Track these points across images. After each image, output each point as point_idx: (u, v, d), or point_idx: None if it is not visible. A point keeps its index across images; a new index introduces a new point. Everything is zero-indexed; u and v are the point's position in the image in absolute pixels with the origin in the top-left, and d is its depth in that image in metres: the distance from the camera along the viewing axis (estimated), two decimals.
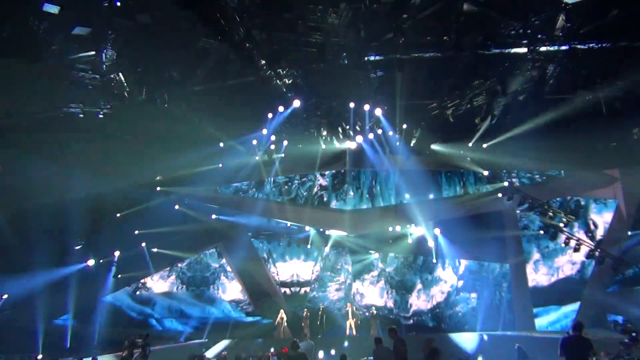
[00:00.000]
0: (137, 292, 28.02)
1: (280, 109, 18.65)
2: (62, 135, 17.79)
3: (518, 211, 25.67)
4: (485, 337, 21.13)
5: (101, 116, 17.04)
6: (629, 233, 23.06)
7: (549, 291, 27.30)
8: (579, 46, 14.56)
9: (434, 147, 22.04)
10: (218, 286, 29.40)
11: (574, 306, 25.69)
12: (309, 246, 28.68)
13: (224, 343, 21.73)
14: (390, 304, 29.54)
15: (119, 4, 12.77)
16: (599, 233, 26.38)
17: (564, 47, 14.73)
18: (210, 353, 19.02)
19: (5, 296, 20.98)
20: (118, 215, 23.11)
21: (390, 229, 26.62)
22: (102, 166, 19.97)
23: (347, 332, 22.92)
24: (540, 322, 26.26)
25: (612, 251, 22.35)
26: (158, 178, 23.19)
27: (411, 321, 28.54)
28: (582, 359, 7.74)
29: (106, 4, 12.69)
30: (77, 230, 21.48)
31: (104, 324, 23.69)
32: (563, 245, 25.05)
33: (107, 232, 22.88)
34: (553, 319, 26.50)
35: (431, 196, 27.28)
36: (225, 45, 14.92)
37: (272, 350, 15.77)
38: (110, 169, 20.30)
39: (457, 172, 26.61)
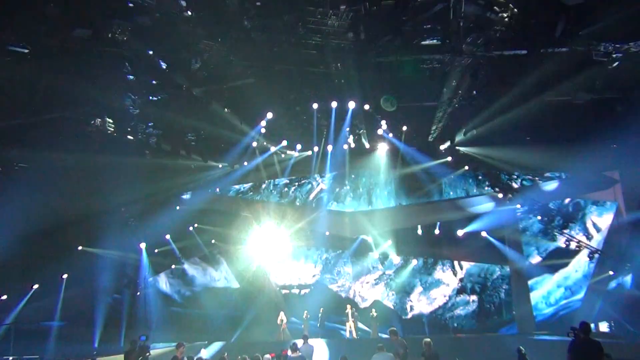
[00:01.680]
0: None
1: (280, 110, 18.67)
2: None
3: (518, 213, 25.63)
4: (486, 339, 21.12)
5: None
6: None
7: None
8: (578, 48, 14.57)
9: (434, 147, 22.09)
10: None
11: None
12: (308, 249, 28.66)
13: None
14: (390, 306, 29.50)
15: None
16: (599, 235, 26.33)
17: (564, 49, 14.76)
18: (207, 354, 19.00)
19: (4, 297, 20.99)
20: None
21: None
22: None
23: (347, 334, 22.89)
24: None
25: (611, 253, 22.34)
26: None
27: (411, 323, 28.47)
28: None
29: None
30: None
31: None
32: (563, 246, 25.10)
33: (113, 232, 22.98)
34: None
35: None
36: (225, 46, 14.95)
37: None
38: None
39: (458, 174, 26.51)
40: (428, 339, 12.28)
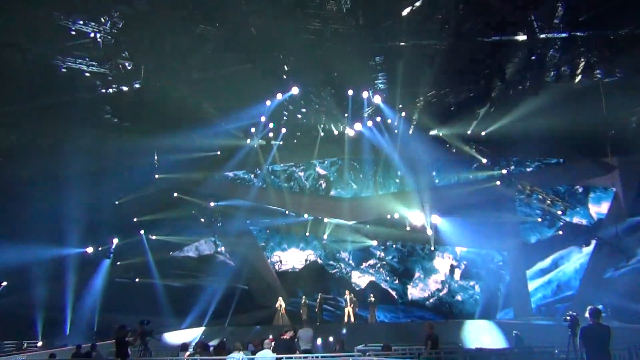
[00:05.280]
0: None
1: (279, 96, 18.60)
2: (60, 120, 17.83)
3: (517, 199, 25.63)
4: (484, 324, 21.26)
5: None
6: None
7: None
8: (578, 33, 14.51)
9: (433, 134, 22.07)
10: None
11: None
12: (307, 234, 28.71)
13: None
14: (389, 291, 29.69)
15: None
16: (597, 221, 26.39)
17: (563, 35, 14.69)
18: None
19: (4, 283, 21.06)
20: (117, 202, 23.21)
21: (389, 216, 26.65)
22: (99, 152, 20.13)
23: (345, 319, 23.02)
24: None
25: (609, 239, 22.38)
26: (157, 176, 23.18)
27: (410, 308, 28.69)
28: (603, 348, 7.58)
29: None
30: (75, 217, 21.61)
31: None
32: (560, 233, 25.16)
33: (105, 219, 22.90)
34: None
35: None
36: (224, 31, 14.86)
37: (270, 337, 15.76)
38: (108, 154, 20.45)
39: (454, 160, 26.46)
40: (430, 322, 12.31)
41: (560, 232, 25.30)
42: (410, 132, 21.97)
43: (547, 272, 26.30)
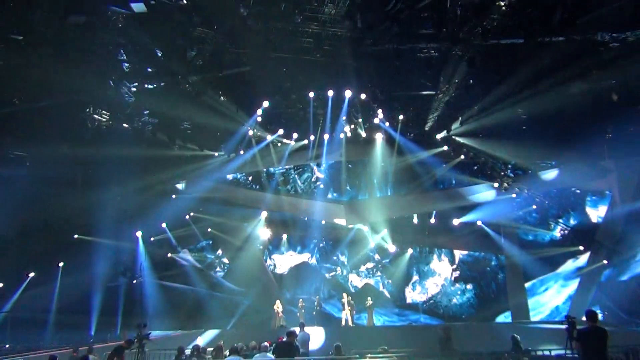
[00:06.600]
0: None
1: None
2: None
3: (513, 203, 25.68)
4: (480, 327, 21.22)
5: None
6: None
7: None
8: (575, 37, 14.55)
9: (431, 137, 22.09)
10: None
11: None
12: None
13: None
14: (386, 294, 29.68)
15: None
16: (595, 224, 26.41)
17: (560, 38, 14.73)
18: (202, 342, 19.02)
19: (0, 285, 21.02)
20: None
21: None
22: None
23: (343, 322, 22.99)
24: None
25: (606, 242, 22.43)
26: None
27: (406, 311, 28.66)
28: (600, 350, 7.62)
29: None
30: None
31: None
32: (558, 235, 25.17)
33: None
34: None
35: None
36: (222, 34, 14.86)
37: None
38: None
39: (453, 164, 26.49)
40: (445, 325, 12.29)
41: (559, 235, 25.28)
42: (409, 135, 21.98)
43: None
